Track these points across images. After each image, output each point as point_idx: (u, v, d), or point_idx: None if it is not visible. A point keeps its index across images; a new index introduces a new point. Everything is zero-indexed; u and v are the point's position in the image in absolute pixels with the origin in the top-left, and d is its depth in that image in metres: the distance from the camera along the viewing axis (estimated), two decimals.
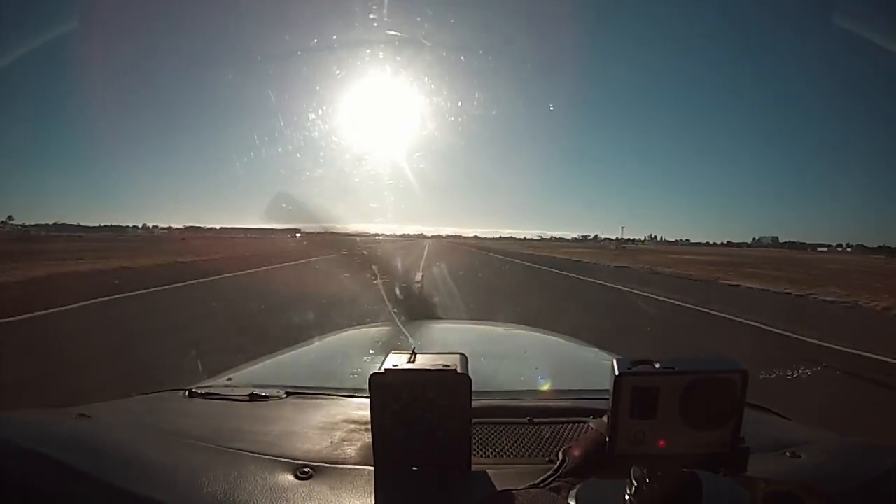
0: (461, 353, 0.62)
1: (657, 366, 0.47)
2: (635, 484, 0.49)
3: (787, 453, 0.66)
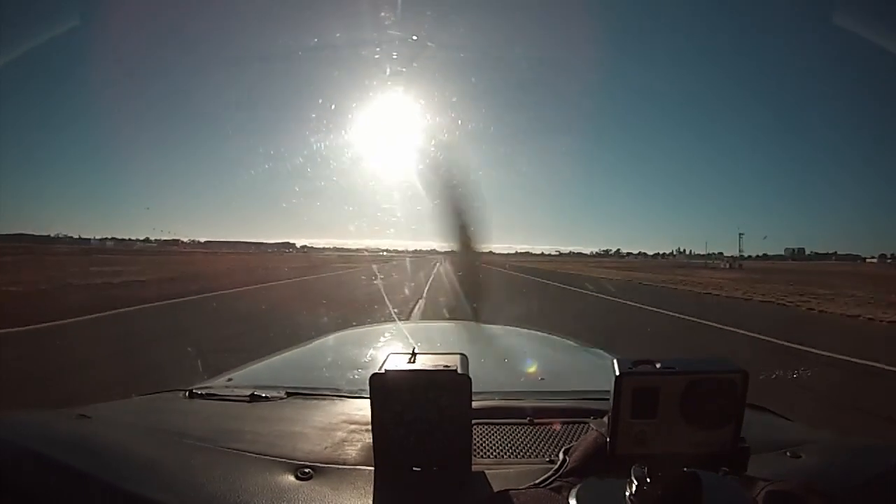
0: (461, 354, 0.63)
1: (658, 366, 0.47)
2: (636, 483, 0.49)
3: (788, 453, 0.66)
